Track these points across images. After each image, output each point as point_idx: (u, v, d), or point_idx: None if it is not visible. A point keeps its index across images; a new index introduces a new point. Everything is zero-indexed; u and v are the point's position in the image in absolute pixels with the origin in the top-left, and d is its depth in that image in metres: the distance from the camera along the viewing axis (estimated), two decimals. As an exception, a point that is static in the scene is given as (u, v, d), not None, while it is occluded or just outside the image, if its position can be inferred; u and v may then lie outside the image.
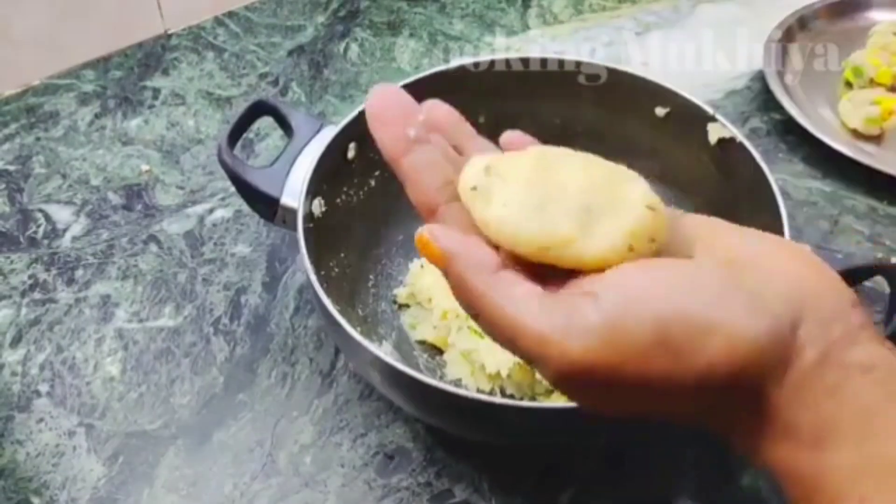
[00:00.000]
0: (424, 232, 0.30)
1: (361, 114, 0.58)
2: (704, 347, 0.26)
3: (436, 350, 0.58)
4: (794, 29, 0.81)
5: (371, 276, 0.61)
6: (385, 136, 0.33)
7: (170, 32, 0.85)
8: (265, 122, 0.63)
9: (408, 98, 0.34)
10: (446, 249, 0.30)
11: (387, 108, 0.34)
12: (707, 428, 0.29)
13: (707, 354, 0.26)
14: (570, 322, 0.27)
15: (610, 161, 0.33)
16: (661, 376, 0.27)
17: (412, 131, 0.33)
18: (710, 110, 0.57)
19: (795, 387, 0.27)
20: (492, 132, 0.70)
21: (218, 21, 0.87)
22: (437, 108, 0.35)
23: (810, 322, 0.27)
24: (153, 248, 0.66)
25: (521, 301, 0.28)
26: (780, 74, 0.77)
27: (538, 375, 0.52)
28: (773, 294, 0.27)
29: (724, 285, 0.28)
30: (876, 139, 0.73)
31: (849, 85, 0.78)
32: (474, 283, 0.29)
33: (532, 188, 0.31)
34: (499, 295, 0.29)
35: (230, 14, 0.87)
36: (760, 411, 0.27)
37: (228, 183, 0.59)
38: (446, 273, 0.30)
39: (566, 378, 0.28)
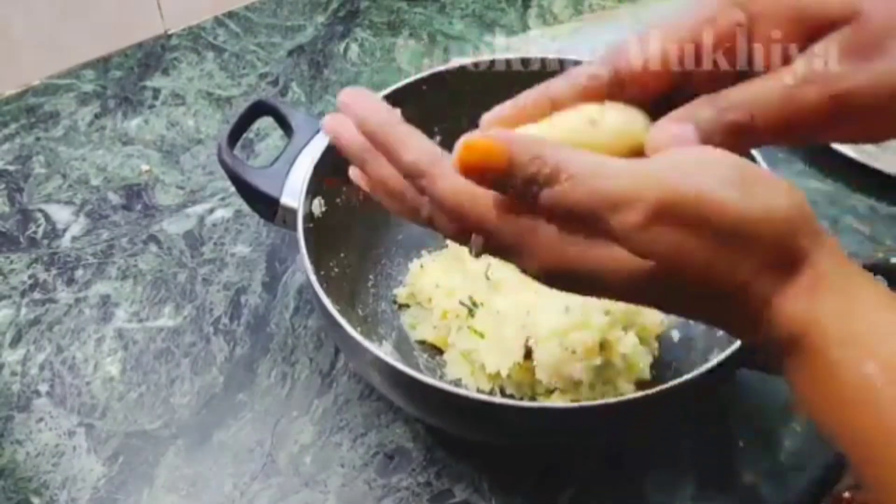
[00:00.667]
0: (471, 138, 0.30)
1: (361, 114, 0.58)
2: (767, 193, 0.29)
3: (436, 350, 0.58)
4: (794, 29, 0.80)
5: (371, 276, 0.61)
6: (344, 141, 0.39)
7: (170, 32, 0.85)
8: (265, 122, 0.63)
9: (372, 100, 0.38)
10: (500, 143, 0.30)
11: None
12: (729, 279, 0.30)
13: (767, 198, 0.29)
14: (650, 167, 0.30)
15: None
16: (735, 208, 0.29)
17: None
18: (710, 110, 0.57)
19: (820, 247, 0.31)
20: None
21: (218, 21, 0.87)
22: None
23: (803, 231, 0.31)
24: (153, 248, 0.66)
25: (599, 159, 0.30)
26: (780, 74, 0.76)
27: (538, 375, 0.52)
28: (776, 197, 0.30)
29: (761, 175, 0.30)
30: (876, 139, 0.73)
31: (849, 85, 0.78)
32: (560, 158, 0.30)
33: None
34: (580, 157, 0.30)
35: (230, 14, 0.87)
36: (787, 262, 0.30)
37: (228, 183, 0.59)
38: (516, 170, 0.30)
39: (656, 217, 0.29)
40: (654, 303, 0.33)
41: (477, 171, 0.30)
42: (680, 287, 0.30)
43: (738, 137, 0.32)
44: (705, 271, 0.29)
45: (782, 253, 0.30)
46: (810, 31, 0.32)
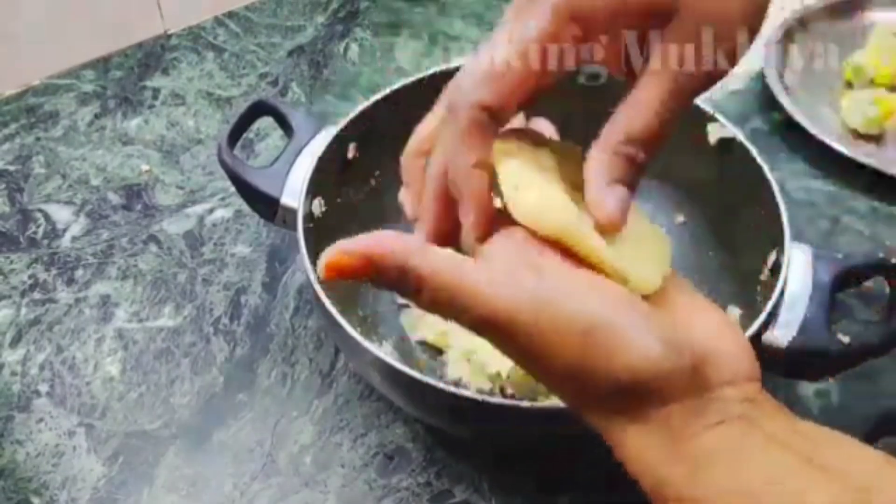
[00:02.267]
0: (334, 254, 0.32)
1: (361, 114, 0.58)
2: (615, 357, 0.30)
3: (436, 350, 0.58)
4: (794, 29, 0.80)
5: (371, 276, 0.61)
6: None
7: (170, 32, 0.85)
8: (265, 122, 0.63)
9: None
10: (368, 251, 0.32)
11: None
12: (582, 411, 0.32)
13: (615, 363, 0.30)
14: (507, 280, 0.30)
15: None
16: (561, 359, 0.30)
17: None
18: (710, 110, 0.57)
19: (683, 414, 0.30)
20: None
21: (218, 21, 0.87)
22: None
23: (710, 373, 0.31)
24: (153, 248, 0.66)
25: (463, 262, 0.31)
26: (780, 74, 0.76)
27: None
28: (687, 339, 0.31)
29: (652, 317, 0.31)
30: (876, 139, 0.73)
31: (849, 85, 0.78)
32: (413, 264, 0.31)
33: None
34: (436, 259, 0.31)
35: (230, 14, 0.87)
36: (645, 429, 0.31)
37: (228, 183, 0.59)
38: (375, 273, 0.32)
39: (484, 324, 0.31)
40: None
41: (349, 277, 0.32)
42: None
43: (637, 168, 0.34)
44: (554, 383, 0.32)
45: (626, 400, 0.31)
46: (635, 23, 0.33)
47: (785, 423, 0.31)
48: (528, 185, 0.32)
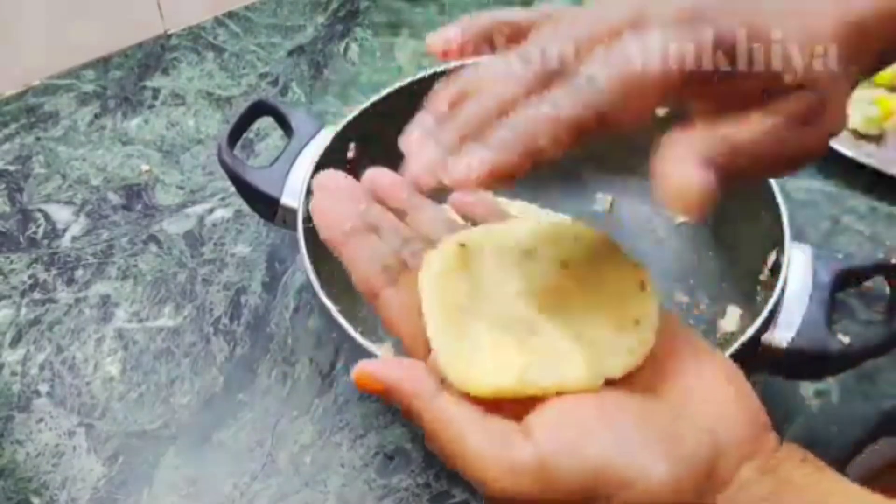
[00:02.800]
0: (359, 372, 0.31)
1: (361, 114, 0.58)
2: (623, 499, 0.28)
3: (436, 350, 0.58)
4: (794, 29, 0.80)
5: (371, 276, 0.61)
6: (326, 235, 0.35)
7: (170, 32, 0.85)
8: (265, 122, 0.63)
9: (348, 188, 0.37)
10: (386, 382, 0.31)
11: (326, 207, 0.36)
12: None
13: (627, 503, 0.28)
14: (504, 454, 0.29)
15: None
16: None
17: (348, 224, 0.35)
18: (710, 110, 0.57)
19: None
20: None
21: (218, 21, 0.87)
22: (380, 178, 0.37)
23: (723, 467, 0.29)
24: (153, 248, 0.66)
25: (465, 425, 0.30)
26: (780, 74, 0.76)
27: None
28: (695, 440, 0.29)
29: (652, 432, 0.29)
30: (876, 139, 0.73)
31: (849, 85, 0.78)
32: (413, 405, 0.30)
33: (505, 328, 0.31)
34: (443, 419, 0.30)
35: (230, 14, 0.87)
36: None
37: (228, 183, 0.59)
38: (391, 401, 0.31)
39: (496, 501, 0.30)
40: None
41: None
42: None
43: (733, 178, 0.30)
44: None
45: None
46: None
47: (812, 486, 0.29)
48: (455, 357, 0.31)
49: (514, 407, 0.30)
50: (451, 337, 0.31)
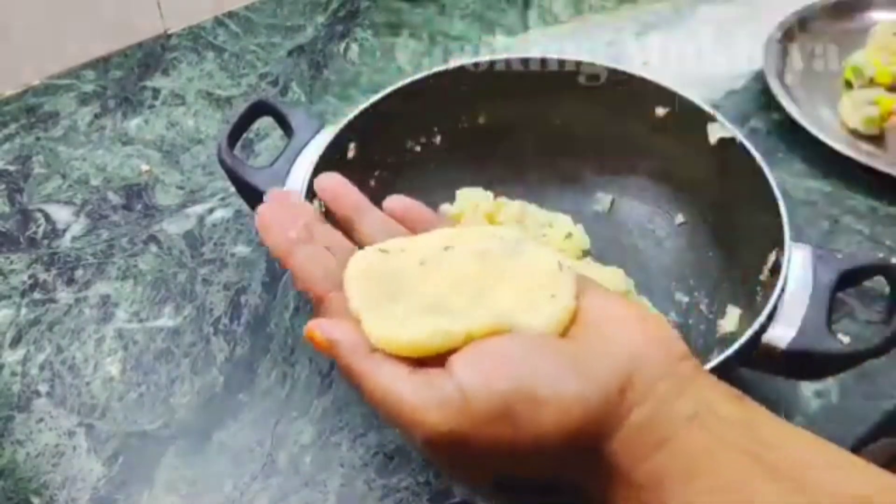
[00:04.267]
0: (310, 326, 0.34)
1: (361, 114, 0.58)
2: (539, 417, 0.30)
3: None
4: (794, 29, 0.80)
5: (371, 276, 0.61)
6: (271, 241, 0.39)
7: (170, 32, 0.85)
8: (265, 122, 0.63)
9: (295, 201, 0.41)
10: (329, 338, 0.34)
11: (274, 215, 0.39)
12: (561, 482, 0.33)
13: (541, 423, 0.30)
14: (431, 393, 0.31)
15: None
16: (505, 442, 0.31)
17: (293, 233, 0.39)
18: (710, 110, 0.57)
19: (628, 443, 0.31)
20: (491, 132, 0.70)
21: (218, 21, 0.87)
22: (326, 181, 0.42)
23: (637, 383, 0.31)
24: (153, 248, 0.66)
25: (393, 378, 0.32)
26: (780, 74, 0.76)
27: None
28: (605, 363, 0.31)
29: (561, 359, 0.31)
30: (876, 139, 0.73)
31: (849, 85, 0.78)
32: (350, 363, 0.33)
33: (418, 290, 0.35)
34: (374, 374, 0.32)
35: (230, 14, 0.87)
36: (601, 466, 0.31)
37: (228, 183, 0.59)
38: (332, 357, 0.34)
39: (432, 445, 0.31)
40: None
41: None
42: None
43: None
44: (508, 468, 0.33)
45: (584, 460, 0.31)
46: None
47: (731, 408, 0.31)
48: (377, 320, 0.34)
49: (438, 363, 0.32)
50: (374, 308, 0.34)
